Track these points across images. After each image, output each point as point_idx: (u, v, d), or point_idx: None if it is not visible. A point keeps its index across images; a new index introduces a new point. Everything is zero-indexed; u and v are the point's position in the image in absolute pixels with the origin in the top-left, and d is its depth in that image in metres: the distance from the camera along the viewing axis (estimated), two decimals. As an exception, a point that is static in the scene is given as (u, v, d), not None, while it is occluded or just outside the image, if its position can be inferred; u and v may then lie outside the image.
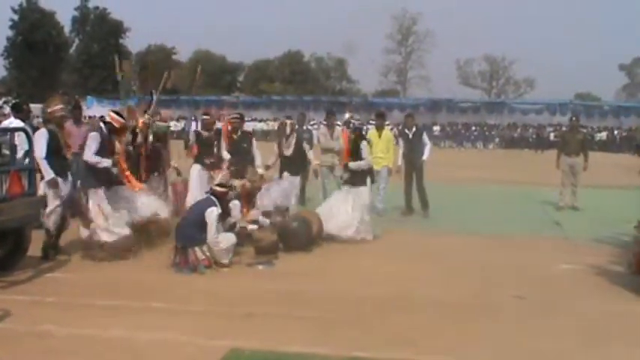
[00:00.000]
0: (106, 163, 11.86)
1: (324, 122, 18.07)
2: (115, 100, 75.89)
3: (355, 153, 13.78)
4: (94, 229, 11.71)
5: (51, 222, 11.63)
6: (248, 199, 13.11)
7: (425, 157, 17.26)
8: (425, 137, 17.61)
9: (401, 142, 17.75)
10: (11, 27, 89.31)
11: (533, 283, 10.61)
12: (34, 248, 11.32)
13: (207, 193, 11.91)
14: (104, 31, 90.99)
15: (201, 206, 11.43)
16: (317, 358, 7.42)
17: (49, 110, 12.37)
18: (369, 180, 13.94)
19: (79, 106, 16.86)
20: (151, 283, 10.34)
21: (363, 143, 13.88)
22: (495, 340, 8.11)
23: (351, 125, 15.67)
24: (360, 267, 11.62)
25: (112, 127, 12.10)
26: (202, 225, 11.09)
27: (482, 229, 15.32)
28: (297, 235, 12.48)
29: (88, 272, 10.97)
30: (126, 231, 11.80)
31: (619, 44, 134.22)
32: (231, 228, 11.88)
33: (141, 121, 13.62)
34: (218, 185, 11.78)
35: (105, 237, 11.62)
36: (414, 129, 17.56)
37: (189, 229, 11.18)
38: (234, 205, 12.12)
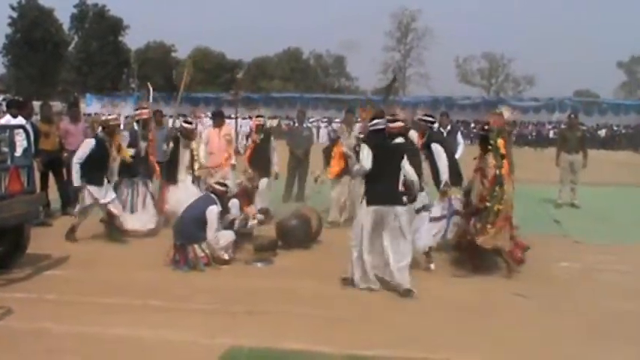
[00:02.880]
0: None
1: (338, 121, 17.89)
2: (114, 98, 76.17)
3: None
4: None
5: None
6: (246, 198, 13.09)
7: (457, 156, 17.33)
8: (459, 136, 17.70)
9: None
10: (10, 24, 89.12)
11: (533, 282, 10.61)
12: (34, 245, 11.32)
13: (206, 190, 11.92)
14: (103, 29, 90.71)
15: (202, 204, 11.43)
16: (317, 356, 7.43)
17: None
18: None
19: (77, 103, 16.85)
20: (150, 281, 10.33)
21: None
22: (497, 338, 8.12)
23: None
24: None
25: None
26: (202, 223, 11.09)
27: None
28: (296, 233, 12.47)
29: (87, 270, 10.97)
30: None
31: (617, 42, 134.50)
32: (229, 225, 11.88)
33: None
34: (218, 184, 11.78)
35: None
36: (448, 128, 17.67)
37: (189, 227, 11.17)
38: (233, 203, 12.12)
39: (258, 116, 16.54)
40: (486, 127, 11.12)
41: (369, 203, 10.01)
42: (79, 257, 11.64)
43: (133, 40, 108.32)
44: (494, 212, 10.69)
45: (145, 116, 14.27)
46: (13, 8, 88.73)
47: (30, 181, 10.95)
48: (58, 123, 16.50)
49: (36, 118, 16.83)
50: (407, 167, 10.20)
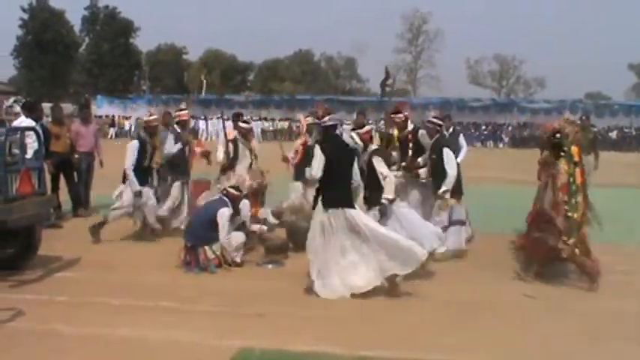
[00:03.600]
0: None
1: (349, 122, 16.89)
2: (126, 100, 76.28)
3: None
4: None
5: None
6: (256, 198, 13.09)
7: (459, 159, 17.18)
8: (461, 139, 17.55)
9: None
10: (21, 26, 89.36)
11: (542, 282, 10.60)
12: (45, 247, 11.37)
13: (220, 193, 11.94)
14: (114, 31, 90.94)
15: (213, 206, 11.44)
16: (326, 357, 7.43)
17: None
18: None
19: (88, 105, 16.89)
20: (160, 283, 10.36)
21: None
22: (504, 338, 8.12)
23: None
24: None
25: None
26: (213, 225, 11.10)
27: (491, 228, 15.27)
28: (305, 234, 12.44)
29: (97, 271, 10.99)
30: None
31: (628, 44, 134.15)
32: (240, 227, 11.88)
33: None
34: (232, 187, 11.77)
35: None
36: (450, 130, 17.56)
37: (200, 229, 11.20)
38: (244, 204, 12.11)
39: (307, 116, 15.97)
40: (558, 135, 10.82)
41: (326, 206, 9.87)
42: (89, 259, 11.67)
43: (144, 42, 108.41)
44: (578, 223, 10.58)
45: (184, 118, 14.57)
46: (24, 10, 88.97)
47: (41, 182, 10.99)
48: (69, 125, 16.53)
49: (47, 119, 16.88)
50: (356, 170, 10.50)
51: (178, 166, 14.06)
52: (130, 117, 71.30)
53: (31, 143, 11.43)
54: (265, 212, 13.34)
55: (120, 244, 13.02)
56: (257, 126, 45.26)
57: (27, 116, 14.53)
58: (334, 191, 9.85)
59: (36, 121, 14.26)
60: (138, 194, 12.94)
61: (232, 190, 11.69)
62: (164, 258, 11.54)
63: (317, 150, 9.95)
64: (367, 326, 8.49)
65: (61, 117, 16.58)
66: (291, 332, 8.17)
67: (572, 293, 10.12)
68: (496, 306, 9.50)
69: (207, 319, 8.69)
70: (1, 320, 8.34)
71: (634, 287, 10.66)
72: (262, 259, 11.70)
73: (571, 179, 10.57)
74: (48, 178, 13.23)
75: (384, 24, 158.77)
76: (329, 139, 10.20)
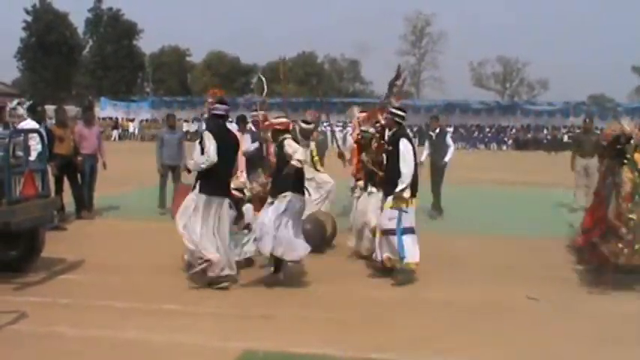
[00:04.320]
0: None
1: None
2: (129, 102, 76.21)
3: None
4: None
5: None
6: (262, 202, 13.06)
7: (447, 158, 17.24)
8: (448, 139, 17.65)
9: (426, 143, 17.82)
10: (25, 28, 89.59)
11: (547, 285, 10.56)
12: (48, 249, 11.36)
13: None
14: (117, 33, 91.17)
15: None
16: (331, 360, 7.43)
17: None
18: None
19: (92, 107, 16.89)
20: (164, 285, 10.34)
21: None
22: (509, 341, 8.08)
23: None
24: (373, 268, 11.55)
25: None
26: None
27: (495, 230, 15.27)
28: (311, 237, 12.41)
29: (101, 274, 10.98)
30: None
31: (632, 46, 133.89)
32: (243, 230, 11.85)
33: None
34: (235, 190, 11.76)
35: None
36: (437, 130, 17.62)
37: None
38: (247, 208, 12.09)
39: (363, 111, 15.24)
40: (632, 141, 10.65)
41: (206, 192, 10.23)
42: (93, 261, 11.65)
43: (148, 44, 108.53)
44: None
45: (258, 119, 14.14)
46: (27, 12, 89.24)
47: (44, 185, 10.98)
48: (73, 127, 16.54)
49: (51, 122, 16.88)
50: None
51: (256, 164, 13.40)
52: (133, 119, 71.41)
53: (35, 145, 11.43)
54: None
55: (123, 246, 13.01)
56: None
57: (32, 119, 14.58)
58: (216, 178, 10.24)
59: (38, 122, 14.27)
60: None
61: (235, 192, 11.66)
62: (168, 260, 11.52)
63: (208, 135, 10.16)
64: (371, 328, 8.49)
65: (65, 119, 16.58)
66: (295, 334, 8.17)
67: (578, 295, 10.08)
68: (499, 308, 9.49)
69: (211, 321, 8.72)
70: (4, 323, 8.33)
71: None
72: (266, 261, 11.67)
73: (638, 189, 10.31)
74: (52, 180, 13.20)
75: (387, 25, 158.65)
76: (216, 127, 10.46)
